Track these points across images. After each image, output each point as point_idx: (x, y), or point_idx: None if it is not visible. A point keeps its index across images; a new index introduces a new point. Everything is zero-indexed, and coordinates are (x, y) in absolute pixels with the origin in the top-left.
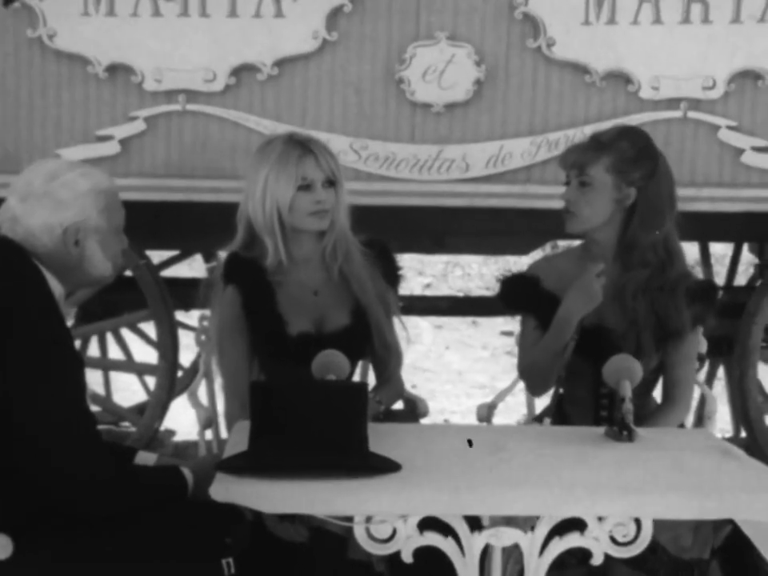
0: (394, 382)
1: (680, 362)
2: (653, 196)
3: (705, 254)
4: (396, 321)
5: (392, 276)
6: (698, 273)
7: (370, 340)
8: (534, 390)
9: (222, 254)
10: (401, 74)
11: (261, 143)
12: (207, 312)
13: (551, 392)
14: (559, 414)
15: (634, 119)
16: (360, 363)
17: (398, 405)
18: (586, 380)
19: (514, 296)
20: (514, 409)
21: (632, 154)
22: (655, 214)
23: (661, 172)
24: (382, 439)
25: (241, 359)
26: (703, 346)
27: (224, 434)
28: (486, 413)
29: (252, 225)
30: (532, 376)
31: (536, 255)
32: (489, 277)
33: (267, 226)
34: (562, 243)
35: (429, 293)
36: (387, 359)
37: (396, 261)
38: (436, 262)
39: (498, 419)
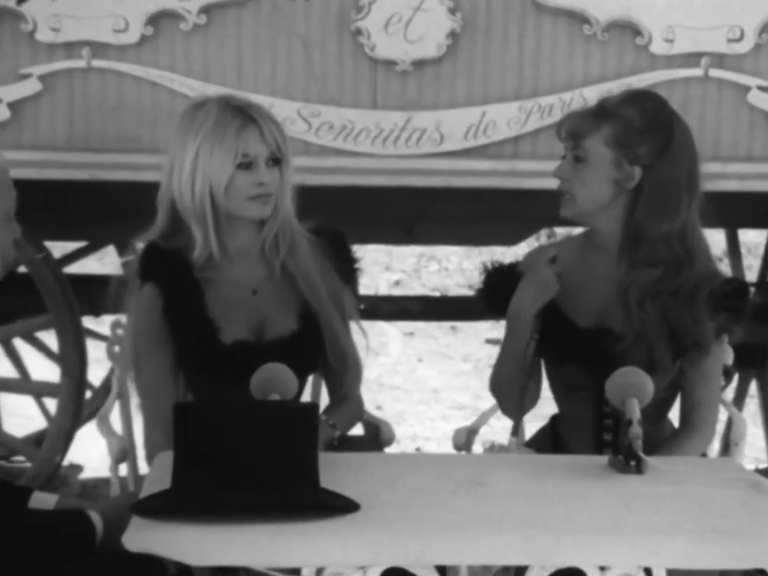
0: (351, 402)
1: (701, 379)
2: (663, 178)
3: (733, 244)
4: (354, 326)
5: (347, 271)
6: (725, 267)
7: (321, 350)
8: (503, 407)
9: (140, 246)
10: (358, 24)
11: (188, 107)
12: (122, 318)
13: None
14: (553, 438)
15: (643, 79)
16: (310, 379)
17: (358, 429)
18: (586, 396)
19: (497, 294)
20: (499, 434)
21: (639, 125)
22: (666, 200)
23: (676, 148)
24: (336, 472)
25: (162, 375)
26: (729, 357)
27: (143, 468)
28: (465, 439)
29: (176, 209)
30: (496, 389)
31: (526, 246)
32: (471, 272)
33: (196, 210)
34: (560, 231)
35: (397, 292)
36: (343, 373)
37: (352, 252)
38: (406, 255)
39: (481, 447)
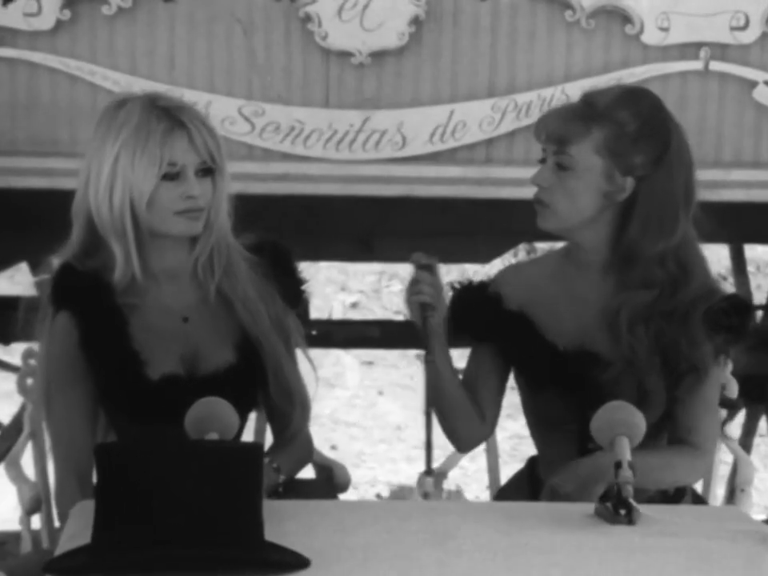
0: (299, 442)
1: (699, 404)
2: (660, 190)
3: (738, 261)
4: (301, 354)
5: (292, 293)
6: (730, 287)
7: (263, 384)
8: (451, 439)
9: (56, 263)
10: (307, 10)
11: (108, 105)
12: (35, 346)
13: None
14: (532, 483)
15: (634, 74)
16: (253, 415)
17: (308, 472)
18: (567, 431)
19: (465, 316)
20: (473, 478)
21: (633, 130)
22: (663, 216)
23: (674, 156)
24: (283, 523)
25: (77, 416)
26: (733, 388)
27: (58, 520)
28: (432, 484)
29: (93, 223)
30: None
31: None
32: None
33: (115, 226)
34: (541, 246)
35: (354, 316)
36: (288, 410)
37: (297, 271)
38: (364, 273)
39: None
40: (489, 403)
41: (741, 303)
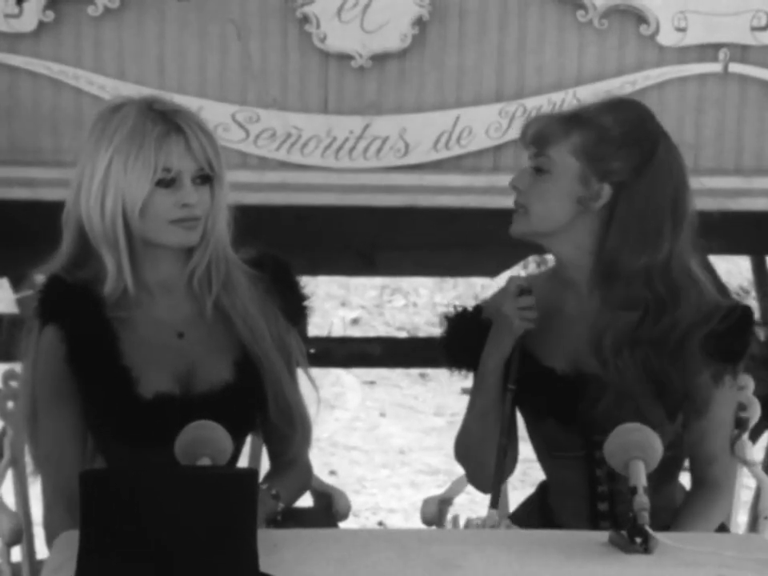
0: (298, 468)
1: (709, 428)
2: (641, 201)
3: (761, 273)
4: (302, 374)
5: (294, 310)
6: (752, 301)
7: (261, 405)
8: (473, 478)
9: (40, 279)
10: (305, 10)
11: (103, 109)
12: (16, 367)
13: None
14: (542, 510)
15: (650, 76)
16: (248, 439)
17: (306, 500)
18: (573, 458)
19: (459, 345)
20: (480, 503)
21: (615, 135)
22: (644, 229)
23: (657, 166)
24: (279, 553)
25: (65, 439)
26: (756, 408)
27: (41, 552)
28: (437, 511)
29: (84, 233)
30: (463, 458)
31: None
32: (444, 309)
33: (107, 235)
34: (552, 258)
35: (356, 333)
36: (289, 434)
37: (300, 286)
38: (366, 288)
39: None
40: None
41: (740, 322)
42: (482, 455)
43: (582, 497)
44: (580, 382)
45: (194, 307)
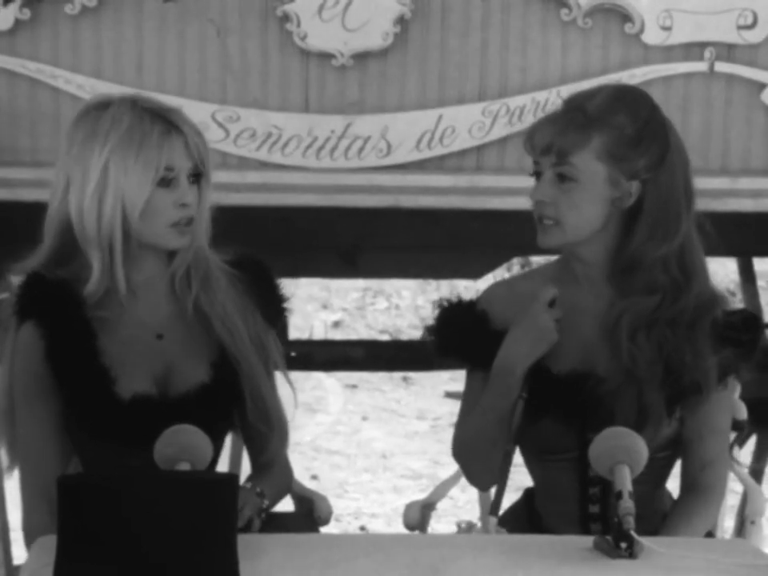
0: (278, 468)
1: (708, 431)
2: (665, 191)
3: (747, 275)
4: (280, 377)
5: (273, 310)
6: (738, 303)
7: (239, 405)
8: (473, 477)
9: (15, 279)
10: (285, 8)
11: (86, 108)
12: None
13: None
14: (529, 513)
15: (634, 75)
16: (228, 442)
17: (287, 505)
18: (565, 460)
19: (450, 336)
20: (464, 509)
21: (632, 132)
22: (668, 217)
23: (673, 155)
24: (259, 558)
25: (45, 438)
26: (742, 411)
27: (18, 556)
28: (420, 516)
29: (70, 233)
30: (467, 456)
31: (493, 279)
32: (427, 310)
33: (102, 237)
34: (536, 260)
35: (337, 336)
36: (266, 432)
37: (279, 288)
38: (348, 290)
39: (439, 526)
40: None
41: (751, 318)
42: (485, 456)
43: (573, 500)
44: (577, 379)
45: (174, 308)
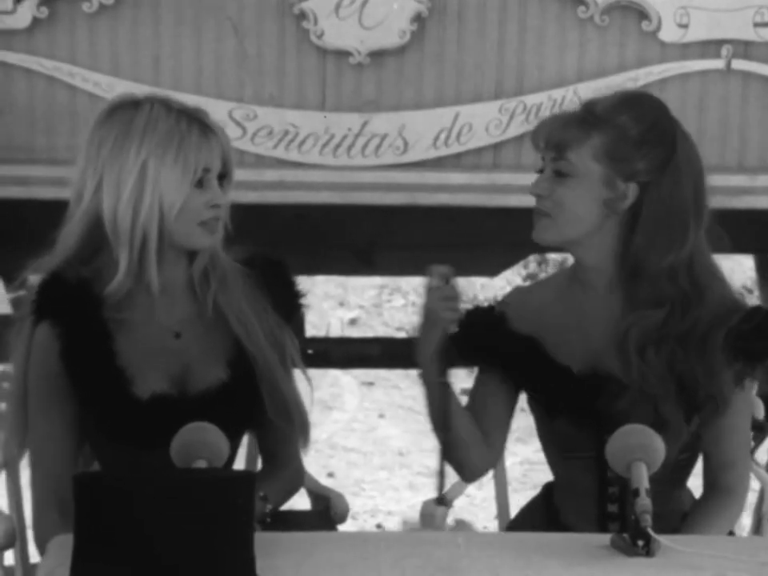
0: (290, 470)
1: (727, 434)
2: (668, 198)
3: (764, 272)
4: (297, 374)
5: (289, 306)
6: (755, 300)
7: (258, 402)
8: (455, 469)
9: (33, 278)
10: (302, 6)
11: (112, 106)
12: (8, 368)
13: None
14: (548, 511)
15: (651, 73)
16: (246, 441)
17: (304, 503)
18: (584, 459)
19: (473, 341)
20: (481, 506)
21: (635, 134)
22: (670, 226)
23: (681, 162)
24: (276, 556)
25: (58, 438)
26: (759, 410)
27: (35, 555)
28: (436, 513)
29: (101, 231)
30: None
31: (510, 276)
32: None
33: (135, 237)
34: (553, 257)
35: (354, 333)
36: (287, 429)
37: (293, 283)
38: (364, 288)
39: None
40: (495, 431)
41: (763, 322)
42: (450, 450)
43: (592, 498)
44: (596, 381)
45: (192, 307)
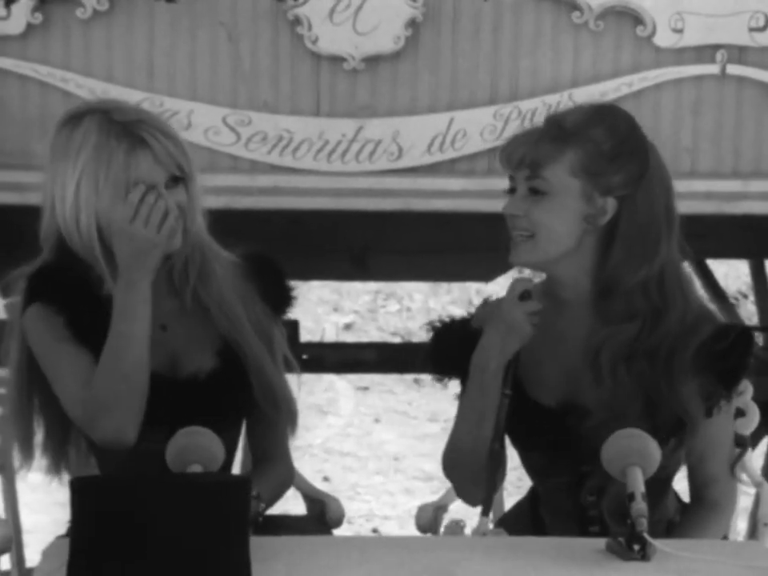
0: (280, 466)
1: (708, 451)
2: (642, 211)
3: (759, 277)
4: (291, 379)
5: (278, 298)
6: (750, 305)
7: (246, 389)
8: (462, 491)
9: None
10: (296, 12)
11: (62, 120)
12: (2, 372)
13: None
14: (534, 520)
15: (646, 78)
16: (241, 444)
17: (299, 507)
18: (560, 484)
19: (445, 355)
20: (475, 511)
21: (609, 148)
22: (646, 239)
23: (654, 175)
24: (271, 561)
25: (78, 354)
26: (754, 416)
27: (31, 559)
28: (432, 518)
29: (66, 244)
30: (454, 468)
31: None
32: (438, 313)
33: (86, 250)
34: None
35: (349, 338)
36: (274, 415)
37: (284, 277)
38: (359, 293)
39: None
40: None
41: (737, 341)
42: (473, 465)
43: (573, 518)
44: (570, 412)
45: (174, 302)
